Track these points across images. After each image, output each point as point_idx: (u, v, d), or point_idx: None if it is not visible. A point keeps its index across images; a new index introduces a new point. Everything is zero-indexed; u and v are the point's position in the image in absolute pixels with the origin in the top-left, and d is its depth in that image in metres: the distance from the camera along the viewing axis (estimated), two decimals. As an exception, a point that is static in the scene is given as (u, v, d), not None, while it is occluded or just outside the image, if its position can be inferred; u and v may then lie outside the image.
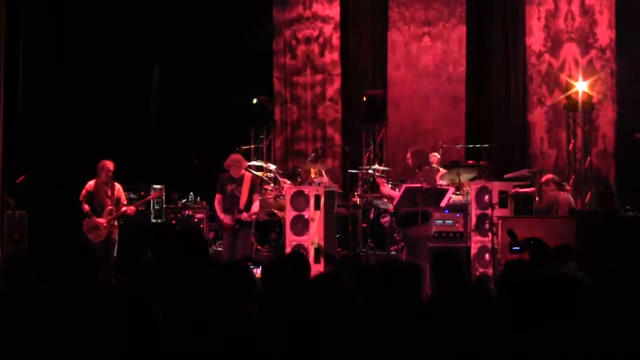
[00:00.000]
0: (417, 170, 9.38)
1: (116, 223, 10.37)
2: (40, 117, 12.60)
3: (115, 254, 10.13)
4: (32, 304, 3.88)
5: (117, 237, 10.33)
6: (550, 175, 10.64)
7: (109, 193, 10.34)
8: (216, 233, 11.49)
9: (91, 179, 10.35)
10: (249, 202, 9.90)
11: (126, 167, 11.67)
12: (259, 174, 11.72)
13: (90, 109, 12.89)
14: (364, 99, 13.35)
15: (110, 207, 10.27)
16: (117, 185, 10.48)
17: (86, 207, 10.24)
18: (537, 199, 10.45)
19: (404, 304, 3.91)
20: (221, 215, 9.88)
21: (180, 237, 4.61)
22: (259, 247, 11.19)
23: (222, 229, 10.12)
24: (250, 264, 6.41)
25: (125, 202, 10.52)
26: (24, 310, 3.84)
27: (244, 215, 9.83)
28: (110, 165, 10.31)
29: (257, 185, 10.34)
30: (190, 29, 13.74)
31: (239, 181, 9.95)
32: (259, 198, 10.25)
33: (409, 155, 9.61)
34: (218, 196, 9.99)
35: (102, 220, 10.23)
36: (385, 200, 11.21)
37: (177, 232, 4.80)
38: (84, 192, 10.32)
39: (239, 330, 3.42)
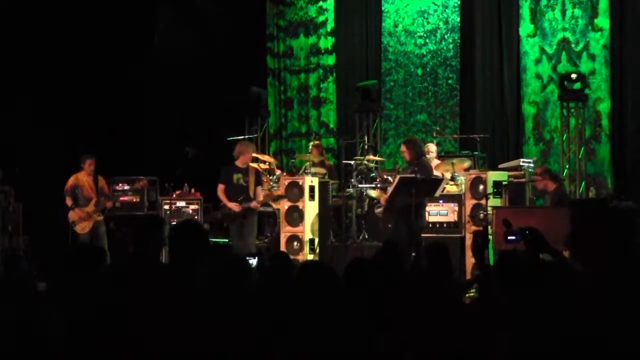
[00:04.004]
0: (415, 161, 9.34)
1: (101, 216, 10.52)
2: (32, 108, 12.54)
3: (104, 246, 10.14)
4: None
5: (104, 229, 10.54)
6: (543, 167, 10.73)
7: (93, 186, 10.48)
8: (211, 225, 11.42)
9: (74, 172, 10.53)
10: (253, 193, 9.87)
11: (119, 158, 11.67)
12: (254, 165, 11.65)
13: (82, 98, 12.83)
14: (358, 89, 13.32)
15: (96, 200, 10.45)
16: (101, 179, 10.65)
17: (69, 200, 10.38)
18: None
19: None
20: (230, 204, 9.74)
21: (179, 227, 4.60)
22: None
23: (228, 219, 9.93)
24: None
25: (108, 194, 10.73)
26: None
27: (254, 203, 9.79)
28: (92, 158, 10.50)
29: (260, 176, 10.33)
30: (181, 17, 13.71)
31: (245, 172, 9.92)
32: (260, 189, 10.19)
33: (404, 148, 9.53)
34: (222, 186, 9.85)
35: (88, 212, 10.34)
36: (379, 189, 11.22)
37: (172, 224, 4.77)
38: (67, 185, 10.46)
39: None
